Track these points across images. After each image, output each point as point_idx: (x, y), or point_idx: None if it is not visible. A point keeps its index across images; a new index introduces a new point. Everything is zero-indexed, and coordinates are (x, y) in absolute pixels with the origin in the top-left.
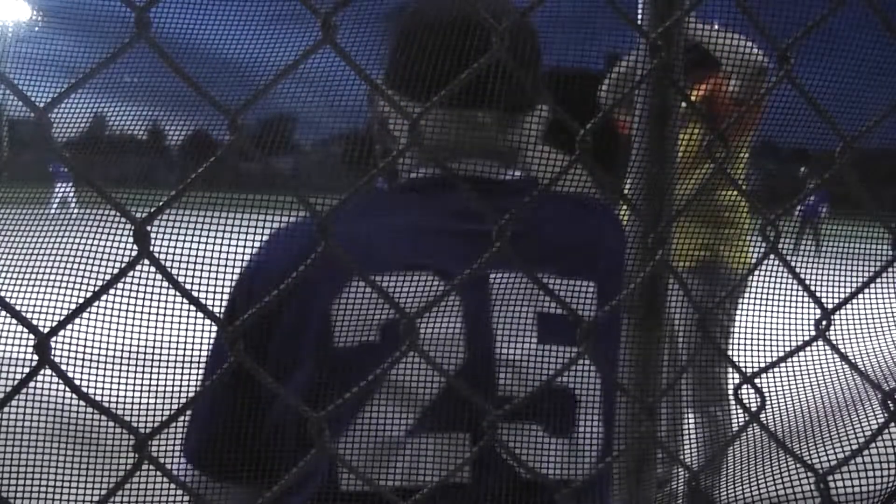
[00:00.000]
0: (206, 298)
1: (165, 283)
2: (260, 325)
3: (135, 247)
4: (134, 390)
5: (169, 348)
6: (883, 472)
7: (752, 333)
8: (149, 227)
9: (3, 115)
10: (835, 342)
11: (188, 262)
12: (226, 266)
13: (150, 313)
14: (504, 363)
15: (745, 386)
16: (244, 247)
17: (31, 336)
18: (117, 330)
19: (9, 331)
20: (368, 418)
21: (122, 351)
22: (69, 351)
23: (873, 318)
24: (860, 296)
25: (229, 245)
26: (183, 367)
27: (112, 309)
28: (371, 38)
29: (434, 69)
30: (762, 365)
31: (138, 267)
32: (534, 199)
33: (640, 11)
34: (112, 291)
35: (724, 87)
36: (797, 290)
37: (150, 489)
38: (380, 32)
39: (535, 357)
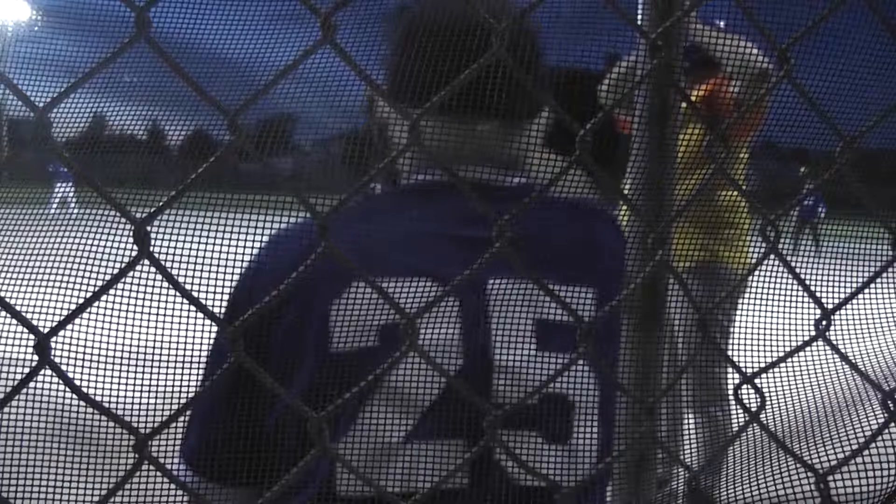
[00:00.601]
0: (206, 298)
1: (165, 284)
2: (260, 328)
3: (135, 247)
4: (134, 390)
5: (169, 348)
6: (883, 472)
7: (751, 333)
8: (149, 228)
9: (3, 115)
10: (835, 342)
11: (188, 263)
12: (226, 266)
13: (149, 313)
14: (501, 369)
15: (745, 386)
16: (244, 247)
17: (31, 336)
18: (117, 330)
19: (9, 331)
20: (365, 423)
21: (122, 351)
22: (69, 351)
23: (873, 318)
24: (860, 296)
25: (229, 245)
26: (183, 368)
27: (112, 309)
28: (371, 38)
29: (433, 75)
30: (762, 365)
31: (138, 267)
32: (533, 200)
33: (639, 11)
34: (112, 292)
35: (725, 89)
36: (797, 291)
37: (150, 489)
38: (380, 33)
39: (534, 364)
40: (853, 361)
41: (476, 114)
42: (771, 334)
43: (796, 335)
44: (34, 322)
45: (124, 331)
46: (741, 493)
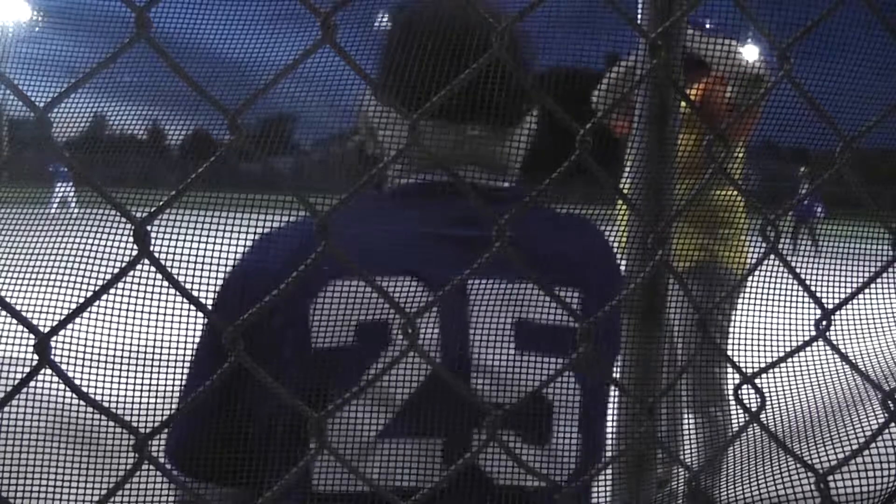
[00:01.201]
0: (206, 298)
1: (165, 283)
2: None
3: (135, 247)
4: (134, 390)
5: (169, 348)
6: (883, 472)
7: (752, 333)
8: (149, 227)
9: (3, 115)
10: (835, 342)
11: (188, 262)
12: (226, 266)
13: (150, 313)
14: (479, 369)
15: (745, 386)
16: (244, 247)
17: (31, 336)
18: (117, 330)
19: (9, 331)
20: (343, 420)
21: (122, 351)
22: (69, 351)
23: (873, 318)
24: (860, 296)
25: (229, 245)
26: (183, 368)
27: (112, 309)
28: (371, 38)
29: (426, 76)
30: (762, 365)
31: (138, 267)
32: (533, 200)
33: (640, 11)
34: (112, 291)
35: (717, 90)
36: (797, 291)
37: (150, 489)
38: (378, 35)
39: (513, 364)
40: (853, 361)
41: (468, 117)
42: (771, 334)
43: (796, 335)
44: (34, 322)
45: (124, 331)
46: (741, 493)
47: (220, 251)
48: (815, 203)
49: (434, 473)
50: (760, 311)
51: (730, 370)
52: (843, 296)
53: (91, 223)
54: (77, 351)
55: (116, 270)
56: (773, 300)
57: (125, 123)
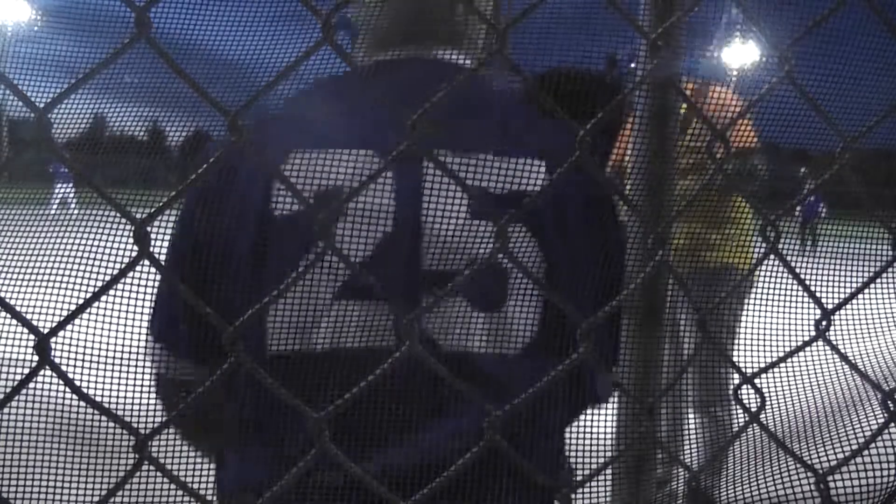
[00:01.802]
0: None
1: None
2: (218, 196)
3: (135, 247)
4: (134, 390)
5: None
6: (883, 472)
7: (752, 333)
8: (149, 228)
9: (3, 115)
10: (835, 342)
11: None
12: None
13: (149, 313)
14: (430, 235)
15: (744, 386)
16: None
17: (31, 336)
18: (117, 330)
19: (9, 331)
20: (299, 282)
21: (123, 351)
22: (69, 351)
23: (873, 319)
24: (860, 296)
25: None
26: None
27: (112, 309)
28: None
29: None
30: (762, 365)
31: (138, 267)
32: (532, 202)
33: (640, 11)
34: (112, 292)
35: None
36: (797, 290)
37: (150, 489)
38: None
39: (464, 231)
40: (853, 361)
41: None
42: (771, 334)
43: (796, 335)
44: (34, 322)
45: (124, 331)
46: (741, 493)
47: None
48: (818, 203)
49: (384, 335)
50: (761, 311)
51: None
52: (843, 296)
53: (91, 223)
54: (77, 351)
55: (116, 271)
56: (774, 300)
57: (125, 124)
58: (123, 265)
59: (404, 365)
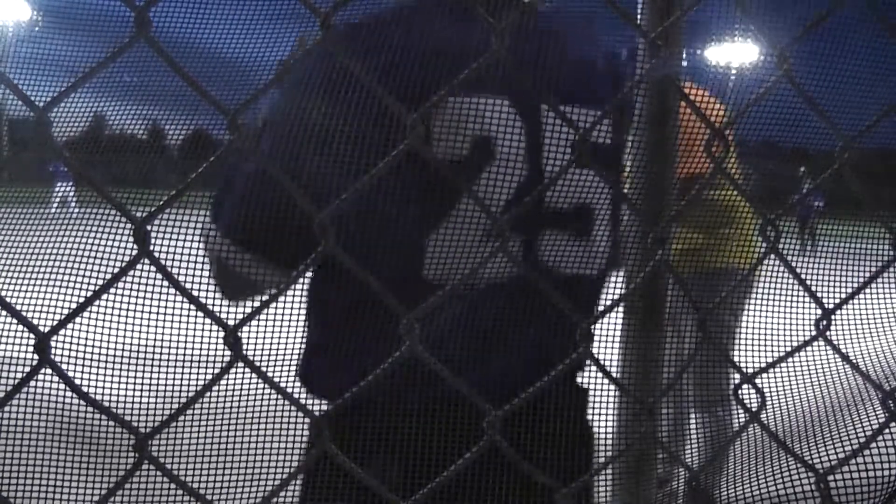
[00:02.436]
0: (206, 298)
1: (166, 283)
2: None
3: (135, 246)
4: (134, 390)
5: (169, 348)
6: (883, 471)
7: (752, 333)
8: (149, 227)
9: (3, 115)
10: (835, 342)
11: (188, 262)
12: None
13: (149, 313)
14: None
15: (745, 385)
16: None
17: (31, 336)
18: (117, 330)
19: (9, 331)
20: (451, 222)
21: (122, 351)
22: (69, 351)
23: (873, 318)
24: (860, 295)
25: None
26: (183, 368)
27: (112, 309)
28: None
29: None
30: (763, 364)
31: (138, 266)
32: (534, 199)
33: (639, 11)
34: (112, 291)
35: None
36: (797, 290)
37: (150, 489)
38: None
39: (571, 177)
40: (853, 361)
41: None
42: (771, 334)
43: (796, 335)
44: (34, 322)
45: (124, 330)
46: (741, 493)
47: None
48: (815, 201)
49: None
50: (761, 310)
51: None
52: (843, 295)
53: (91, 223)
54: (77, 351)
55: (116, 270)
56: (774, 300)
57: (125, 123)
58: (123, 264)
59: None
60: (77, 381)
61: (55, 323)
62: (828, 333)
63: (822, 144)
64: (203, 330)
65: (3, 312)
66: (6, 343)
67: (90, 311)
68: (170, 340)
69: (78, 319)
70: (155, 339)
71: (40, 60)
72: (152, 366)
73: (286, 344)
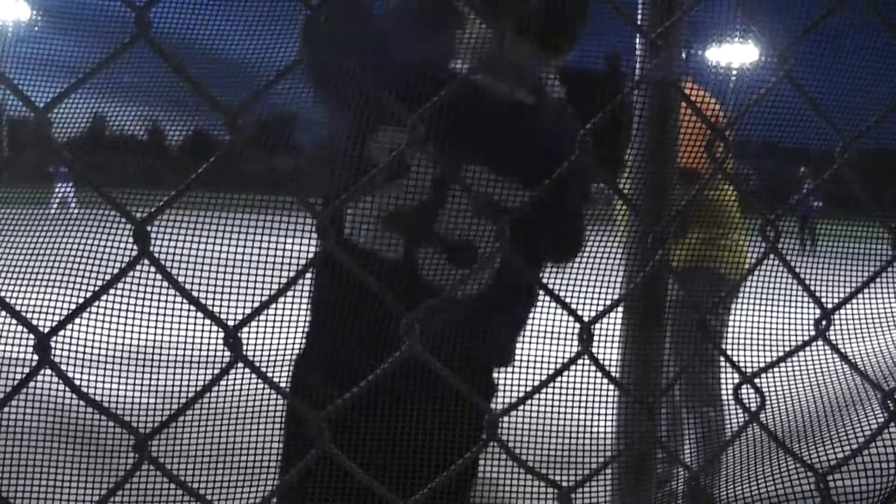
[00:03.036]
0: (206, 298)
1: (165, 283)
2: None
3: (135, 247)
4: (134, 390)
5: (169, 348)
6: (883, 471)
7: (751, 333)
8: (149, 227)
9: (3, 115)
10: (835, 342)
11: (188, 263)
12: (226, 266)
13: (149, 313)
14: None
15: (744, 386)
16: (244, 247)
17: (31, 336)
18: (117, 330)
19: (9, 331)
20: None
21: (122, 351)
22: (69, 351)
23: (873, 318)
24: (859, 296)
25: (229, 245)
26: (183, 368)
27: (112, 309)
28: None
29: None
30: (761, 365)
31: (138, 267)
32: (534, 200)
33: (639, 11)
34: (112, 291)
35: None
36: (797, 290)
37: (150, 489)
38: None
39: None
40: (853, 361)
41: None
42: (771, 334)
43: (796, 335)
44: (34, 322)
45: (124, 331)
46: (741, 493)
47: (220, 251)
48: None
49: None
50: (760, 310)
51: (727, 370)
52: (842, 296)
53: (91, 223)
54: (77, 351)
55: (116, 271)
56: (774, 300)
57: (125, 123)
58: (123, 265)
59: None
60: (77, 382)
61: (55, 323)
62: (827, 334)
63: (822, 144)
64: (203, 330)
65: (3, 312)
66: (6, 343)
67: (90, 312)
68: (170, 341)
69: (78, 320)
70: (155, 340)
71: (40, 60)
72: (152, 366)
73: (286, 344)
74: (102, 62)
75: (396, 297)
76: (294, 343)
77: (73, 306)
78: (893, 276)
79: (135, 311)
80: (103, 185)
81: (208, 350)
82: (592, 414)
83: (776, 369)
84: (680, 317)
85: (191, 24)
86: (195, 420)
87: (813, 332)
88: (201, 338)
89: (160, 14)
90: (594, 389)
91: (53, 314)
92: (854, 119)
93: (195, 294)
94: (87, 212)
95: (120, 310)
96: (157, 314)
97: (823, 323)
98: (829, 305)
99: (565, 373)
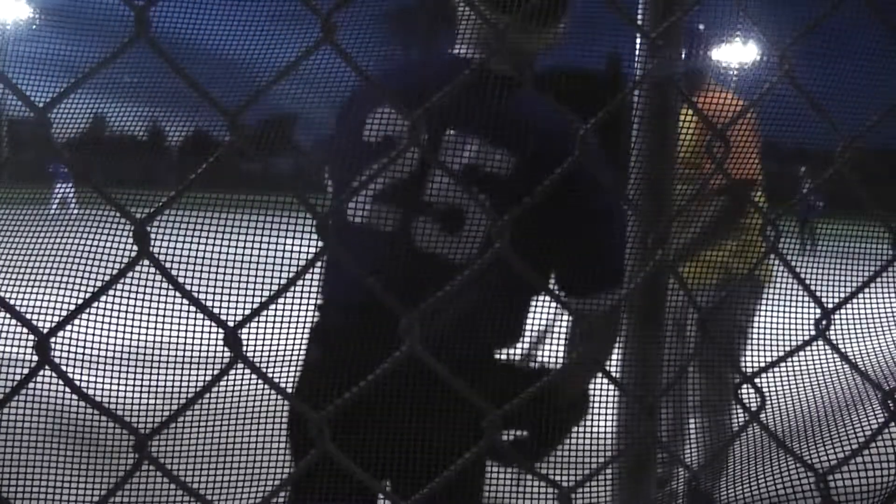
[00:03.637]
0: (206, 298)
1: (165, 283)
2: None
3: (135, 247)
4: (134, 390)
5: (169, 348)
6: (883, 471)
7: (751, 333)
8: (148, 227)
9: (3, 115)
10: (835, 342)
11: (188, 262)
12: (225, 266)
13: (149, 313)
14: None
15: (744, 386)
16: (244, 247)
17: (31, 336)
18: (117, 330)
19: (9, 331)
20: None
21: (123, 351)
22: (69, 351)
23: (873, 318)
24: (860, 295)
25: (229, 245)
26: (183, 368)
27: (112, 309)
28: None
29: None
30: (762, 364)
31: (138, 267)
32: (534, 199)
33: (640, 11)
34: (112, 291)
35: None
36: (797, 290)
37: (150, 489)
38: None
39: (452, 184)
40: (853, 361)
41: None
42: (771, 334)
43: (796, 335)
44: (34, 322)
45: (124, 330)
46: (741, 493)
47: (220, 251)
48: (816, 200)
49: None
50: (760, 310)
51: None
52: (843, 295)
53: (91, 223)
54: (77, 351)
55: (116, 270)
56: (773, 299)
57: (125, 123)
58: (123, 265)
59: None
60: (77, 382)
61: (55, 323)
62: (828, 333)
63: (822, 144)
64: (203, 330)
65: (4, 312)
66: (6, 343)
67: (90, 312)
68: (170, 341)
69: (78, 320)
70: (155, 340)
71: (40, 60)
72: (152, 366)
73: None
74: (102, 62)
75: (395, 268)
76: (294, 343)
77: (73, 306)
78: (893, 276)
79: (135, 311)
80: (103, 185)
81: (208, 350)
82: (592, 414)
83: (776, 369)
84: (711, 325)
85: (191, 24)
86: (195, 420)
87: (813, 332)
88: (201, 338)
89: (160, 14)
90: (594, 389)
91: (53, 314)
92: (854, 119)
93: (195, 294)
94: (87, 212)
95: (120, 309)
96: (158, 314)
97: (823, 323)
98: (830, 305)
99: None
